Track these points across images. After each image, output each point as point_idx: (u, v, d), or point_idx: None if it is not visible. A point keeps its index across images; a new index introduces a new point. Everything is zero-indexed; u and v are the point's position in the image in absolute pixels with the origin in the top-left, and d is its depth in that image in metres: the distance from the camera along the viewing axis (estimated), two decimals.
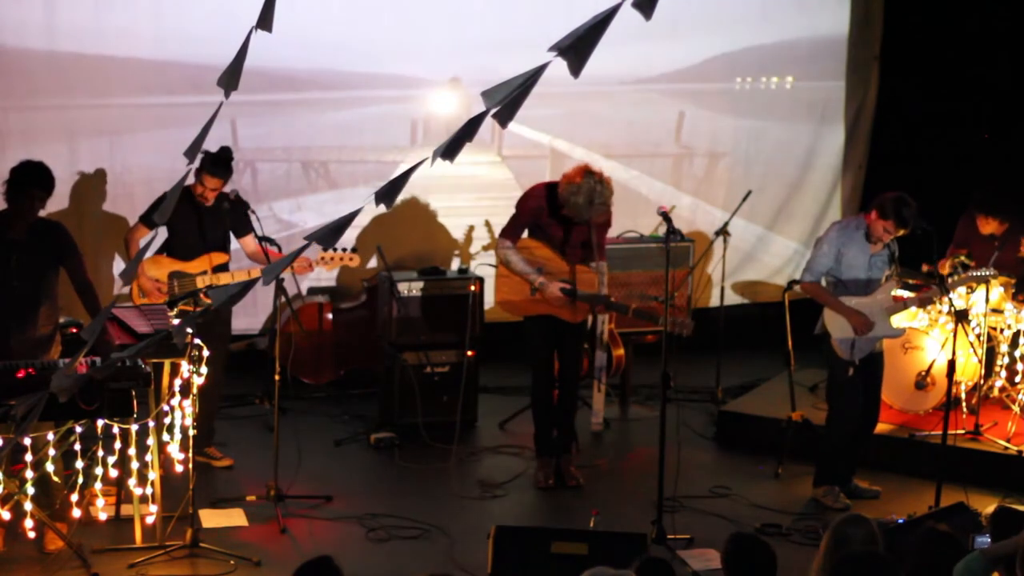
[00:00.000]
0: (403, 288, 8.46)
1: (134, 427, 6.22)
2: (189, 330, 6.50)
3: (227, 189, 7.57)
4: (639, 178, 10.13)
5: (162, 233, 7.59)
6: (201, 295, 7.29)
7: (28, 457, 6.01)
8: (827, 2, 10.44)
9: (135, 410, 6.27)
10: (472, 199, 9.72)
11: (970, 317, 8.04)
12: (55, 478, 6.29)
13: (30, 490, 6.07)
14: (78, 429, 6.20)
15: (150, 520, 6.52)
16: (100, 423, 6.12)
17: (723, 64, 10.19)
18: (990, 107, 10.32)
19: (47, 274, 6.62)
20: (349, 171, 9.51)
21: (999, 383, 8.37)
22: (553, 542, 5.90)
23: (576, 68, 2.57)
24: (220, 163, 7.41)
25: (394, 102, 9.47)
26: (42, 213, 6.65)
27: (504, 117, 2.61)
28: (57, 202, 7.46)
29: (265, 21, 3.04)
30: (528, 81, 2.61)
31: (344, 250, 7.85)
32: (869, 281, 7.24)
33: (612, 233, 8.00)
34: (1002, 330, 8.26)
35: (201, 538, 6.58)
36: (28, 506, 6.11)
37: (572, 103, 9.70)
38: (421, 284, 8.55)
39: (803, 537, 6.88)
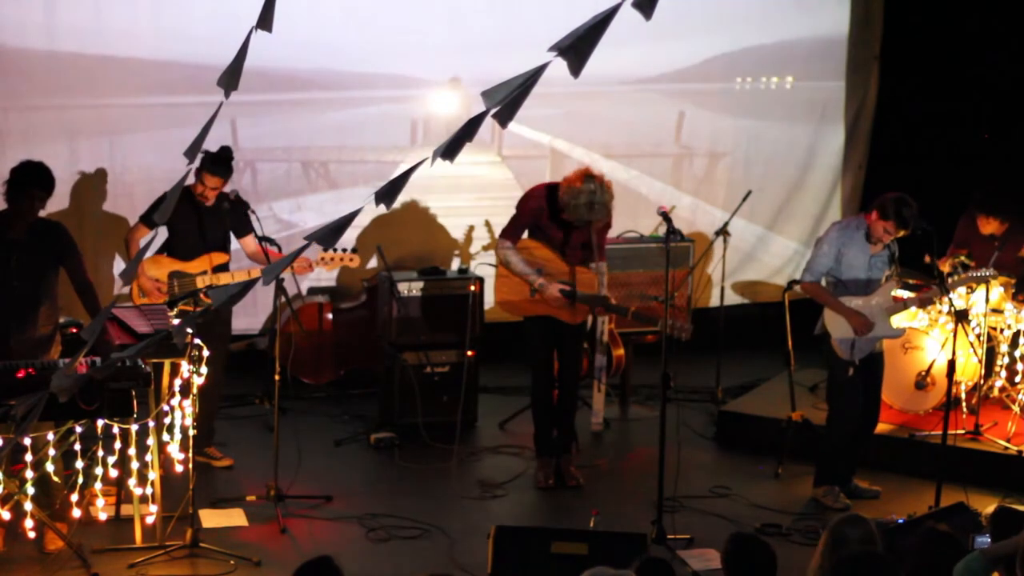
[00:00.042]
0: (403, 288, 8.46)
1: (134, 427, 6.22)
2: (189, 330, 6.50)
3: (227, 189, 7.58)
4: (639, 178, 10.13)
5: (162, 233, 7.59)
6: (201, 295, 7.29)
7: (28, 457, 6.01)
8: (827, 2, 10.44)
9: (135, 410, 6.27)
10: (472, 199, 9.72)
11: (970, 317, 8.04)
12: (55, 478, 6.29)
13: (30, 490, 6.07)
14: (78, 429, 6.20)
15: (150, 520, 6.52)
16: (100, 423, 6.12)
17: (723, 64, 10.19)
18: (990, 107, 10.31)
19: (47, 274, 6.62)
20: (349, 171, 9.51)
21: (999, 383, 8.37)
22: (553, 542, 5.90)
23: (576, 68, 2.57)
24: (220, 162, 7.41)
25: (394, 102, 9.47)
26: (42, 213, 6.65)
27: (504, 117, 2.61)
28: (57, 202, 7.46)
29: (265, 21, 3.04)
30: (528, 81, 2.61)
31: (344, 250, 7.85)
32: (869, 281, 7.24)
33: (612, 233, 8.00)
34: (1002, 330, 8.26)
35: (201, 538, 6.58)
36: (28, 506, 6.11)
37: (572, 103, 9.70)
38: (421, 284, 8.55)
39: (803, 537, 6.88)
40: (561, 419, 7.77)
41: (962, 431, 7.89)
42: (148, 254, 7.39)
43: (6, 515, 6.22)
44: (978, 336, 8.03)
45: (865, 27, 10.51)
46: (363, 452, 8.24)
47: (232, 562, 6.46)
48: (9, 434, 5.75)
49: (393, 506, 7.27)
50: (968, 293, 8.17)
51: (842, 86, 10.58)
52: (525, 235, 7.55)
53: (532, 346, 7.68)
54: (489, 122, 2.65)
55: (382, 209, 2.78)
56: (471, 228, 9.67)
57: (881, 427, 7.70)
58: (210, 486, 7.39)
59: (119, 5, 8.69)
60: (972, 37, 10.18)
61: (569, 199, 7.24)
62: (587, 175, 7.27)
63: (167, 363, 6.66)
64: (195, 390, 6.56)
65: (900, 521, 6.40)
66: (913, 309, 7.75)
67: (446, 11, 9.34)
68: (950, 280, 7.66)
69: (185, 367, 6.53)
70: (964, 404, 8.07)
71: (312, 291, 9.40)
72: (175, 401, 6.47)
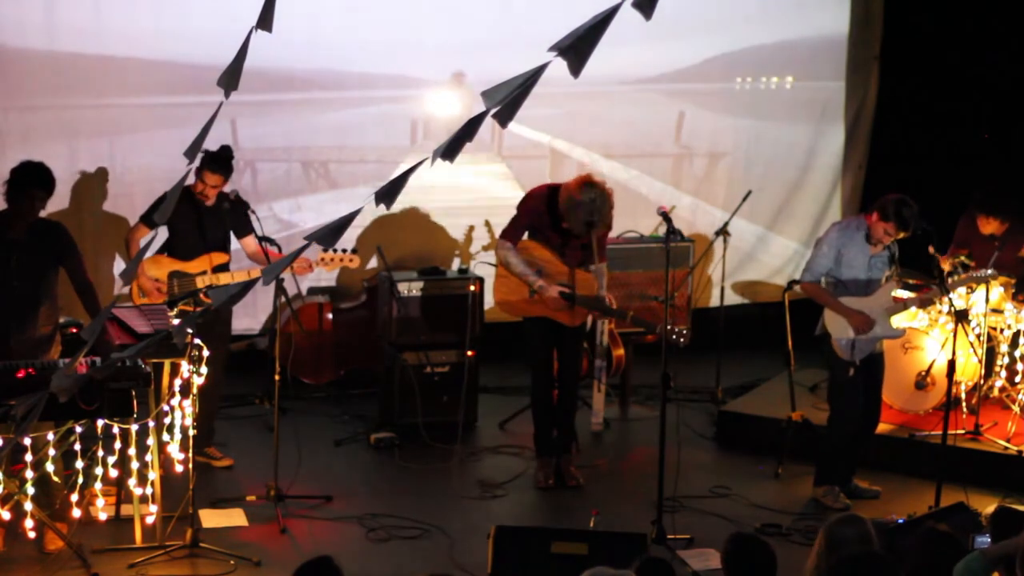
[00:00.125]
0: (403, 288, 8.46)
1: (134, 427, 6.22)
2: (189, 330, 6.50)
3: (227, 189, 7.58)
4: (639, 178, 10.13)
5: (162, 233, 7.59)
6: (201, 295, 7.29)
7: (28, 457, 6.01)
8: (827, 2, 10.44)
9: (135, 410, 6.27)
10: (472, 199, 9.72)
11: (970, 317, 8.04)
12: (55, 478, 6.29)
13: (30, 490, 6.07)
14: (78, 429, 6.20)
15: (150, 520, 6.52)
16: (100, 423, 6.12)
17: (723, 64, 10.19)
18: (990, 107, 10.31)
19: (47, 274, 6.62)
20: (349, 171, 9.51)
21: (999, 383, 8.37)
22: (553, 542, 5.90)
23: (576, 68, 2.57)
24: (220, 160, 7.41)
25: (394, 102, 9.47)
26: (42, 213, 6.65)
27: (504, 117, 2.61)
28: (57, 202, 7.46)
29: (265, 21, 3.04)
30: (528, 81, 2.61)
31: (344, 251, 7.85)
32: (869, 282, 7.24)
33: (612, 233, 7.99)
34: (1002, 330, 8.26)
35: (201, 538, 6.58)
36: (28, 506, 6.11)
37: (572, 103, 9.70)
38: (421, 284, 8.54)
39: (803, 537, 6.88)
40: (561, 419, 7.77)
41: (962, 431, 7.89)
42: (148, 254, 7.39)
43: (6, 515, 6.22)
44: (978, 336, 8.03)
45: (865, 27, 10.51)
46: (363, 452, 8.24)
47: (232, 562, 6.46)
48: (9, 434, 5.75)
49: (393, 506, 7.27)
50: (968, 293, 8.17)
51: (842, 86, 10.57)
52: (525, 236, 7.55)
53: (532, 346, 7.68)
54: (489, 122, 2.65)
55: (382, 209, 2.78)
56: (471, 228, 9.67)
57: (881, 427, 7.70)
58: (210, 486, 7.38)
59: (119, 5, 8.69)
60: (972, 37, 10.18)
61: (568, 210, 7.22)
62: (587, 183, 7.22)
63: (167, 363, 6.66)
64: (195, 390, 6.56)
65: (900, 521, 6.40)
66: (913, 309, 7.75)
67: (446, 11, 9.34)
68: (950, 280, 7.66)
69: (185, 367, 6.53)
70: (964, 404, 8.07)
71: (312, 291, 9.40)
72: (175, 401, 6.47)
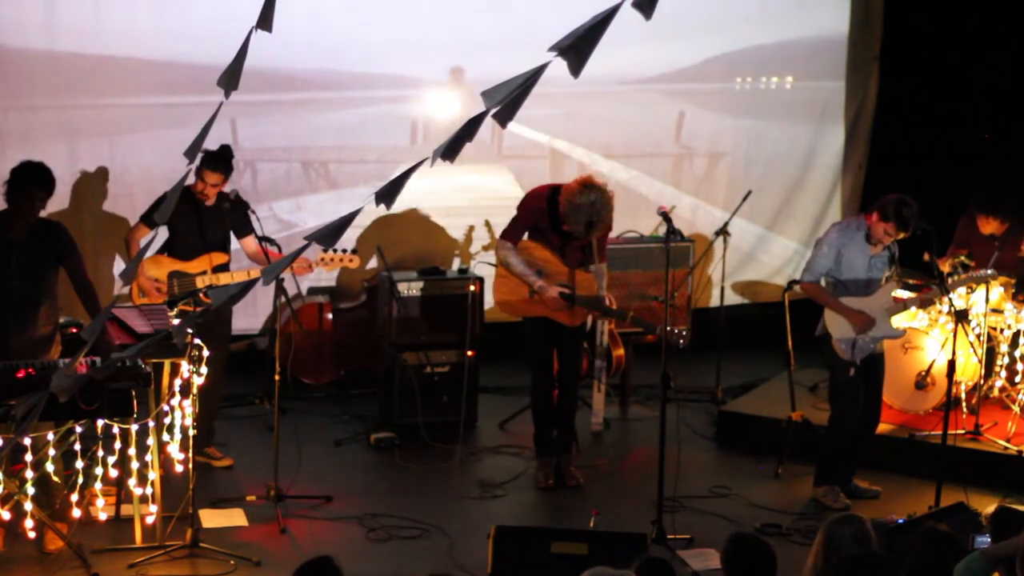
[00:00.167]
0: (403, 288, 8.46)
1: (134, 427, 6.22)
2: (189, 330, 6.50)
3: (227, 189, 7.58)
4: (639, 178, 10.13)
5: (163, 233, 7.59)
6: (201, 295, 7.29)
7: (28, 457, 6.00)
8: (827, 2, 10.44)
9: (135, 410, 6.27)
10: (472, 199, 9.72)
11: (970, 317, 8.04)
12: (55, 478, 6.29)
13: (30, 490, 6.07)
14: (78, 429, 6.20)
15: (150, 520, 6.52)
16: (100, 423, 6.12)
17: (723, 64, 10.19)
18: (990, 107, 10.31)
19: (47, 274, 6.62)
20: (349, 171, 9.51)
21: (999, 383, 8.37)
22: (553, 542, 5.90)
23: (576, 68, 2.57)
24: (220, 159, 7.41)
25: (394, 102, 9.47)
26: (42, 213, 6.65)
27: (504, 117, 2.61)
28: (57, 202, 7.46)
29: (265, 21, 3.04)
30: (528, 81, 2.61)
31: (344, 251, 7.85)
32: (869, 282, 7.24)
33: (612, 233, 7.99)
34: (1002, 330, 8.26)
35: (201, 538, 6.58)
36: (28, 506, 6.11)
37: (572, 103, 9.70)
38: (421, 284, 8.54)
39: (803, 537, 6.87)
40: (561, 419, 7.77)
41: (962, 431, 7.89)
42: (148, 254, 7.39)
43: (6, 515, 6.22)
44: (978, 336, 8.03)
45: (865, 27, 10.51)
46: (363, 452, 8.24)
47: (232, 562, 6.46)
48: (9, 434, 5.75)
49: (393, 506, 7.27)
50: (968, 293, 8.17)
51: (842, 86, 10.57)
52: (525, 236, 7.54)
53: (532, 346, 7.68)
54: (489, 122, 2.65)
55: (382, 209, 2.78)
56: (471, 228, 9.67)
57: (881, 427, 7.70)
58: (210, 486, 7.38)
59: (119, 5, 8.68)
60: (972, 37, 10.18)
61: (568, 212, 7.21)
62: (588, 185, 7.21)
63: (167, 363, 6.66)
64: (195, 390, 6.55)
65: (900, 521, 6.40)
66: (913, 309, 7.75)
67: (446, 11, 9.34)
68: (950, 280, 7.66)
69: (185, 367, 6.53)
70: (964, 404, 8.07)
71: (312, 291, 9.40)
72: (175, 401, 6.47)
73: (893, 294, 7.36)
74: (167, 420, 6.46)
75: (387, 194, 2.72)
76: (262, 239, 7.36)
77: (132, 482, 6.46)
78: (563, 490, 7.63)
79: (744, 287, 10.46)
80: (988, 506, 6.56)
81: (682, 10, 9.61)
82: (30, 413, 2.97)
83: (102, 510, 6.38)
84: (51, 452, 6.09)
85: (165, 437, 6.47)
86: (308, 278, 9.16)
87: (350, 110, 9.44)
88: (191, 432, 6.53)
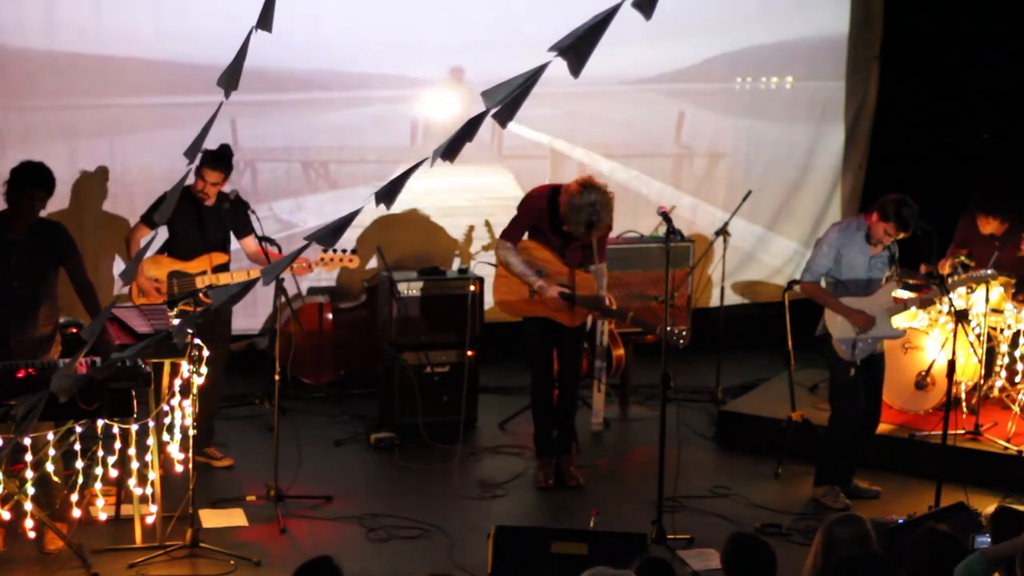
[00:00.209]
0: (403, 288, 8.46)
1: (134, 427, 6.22)
2: (189, 330, 6.50)
3: (227, 189, 7.58)
4: (639, 178, 10.13)
5: (163, 233, 7.59)
6: (201, 295, 7.29)
7: (28, 457, 6.00)
8: (827, 2, 10.44)
9: (135, 410, 6.27)
10: (472, 199, 9.72)
11: (970, 317, 8.04)
12: (55, 478, 6.29)
13: (30, 490, 6.07)
14: (78, 429, 6.20)
15: (150, 520, 6.52)
16: (100, 423, 6.12)
17: (723, 64, 10.19)
18: (990, 107, 10.31)
19: (47, 274, 6.62)
20: (349, 171, 9.51)
21: (999, 383, 8.37)
22: (553, 542, 5.90)
23: (576, 68, 2.57)
24: (220, 157, 7.42)
25: (394, 102, 9.47)
26: (42, 213, 6.65)
27: (504, 117, 2.61)
28: (57, 202, 7.46)
29: (265, 21, 3.04)
30: (528, 81, 2.61)
31: (344, 251, 7.85)
32: (869, 282, 7.24)
33: (612, 233, 7.99)
34: (1002, 330, 8.26)
35: (201, 538, 6.58)
36: (28, 506, 6.11)
37: (572, 103, 9.70)
38: (421, 284, 8.54)
39: (803, 537, 6.87)
40: (561, 419, 7.77)
41: (962, 431, 7.89)
42: (148, 254, 7.39)
43: (6, 515, 6.22)
44: (978, 336, 8.03)
45: (865, 27, 10.51)
46: (363, 452, 8.24)
47: (232, 562, 6.46)
48: (9, 434, 5.75)
49: (393, 506, 7.27)
50: (968, 293, 8.17)
51: (842, 86, 10.57)
52: (525, 236, 7.54)
53: (532, 346, 7.68)
54: (489, 122, 2.65)
55: (382, 209, 2.78)
56: (471, 228, 9.67)
57: (881, 427, 7.70)
58: (210, 486, 7.38)
59: (119, 5, 8.68)
60: (972, 37, 10.18)
61: (569, 212, 7.21)
62: (588, 185, 7.21)
63: (167, 363, 6.66)
64: (195, 390, 6.55)
65: (900, 521, 6.40)
66: (913, 309, 7.75)
67: (446, 11, 9.34)
68: (950, 280, 7.66)
69: (185, 367, 6.53)
70: (964, 404, 8.07)
71: (312, 291, 9.40)
72: (175, 401, 6.47)
73: (893, 294, 7.36)
74: (167, 420, 6.46)
75: (387, 194, 2.72)
76: (262, 239, 7.35)
77: (132, 482, 6.46)
78: (563, 490, 7.63)
79: (744, 287, 10.46)
80: (988, 506, 6.56)
81: (682, 10, 9.61)
82: (30, 413, 2.97)
83: (102, 510, 6.38)
84: (51, 452, 6.09)
85: (165, 437, 6.47)
86: (308, 278, 9.16)
87: (350, 110, 9.44)
88: (191, 432, 6.53)
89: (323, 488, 7.44)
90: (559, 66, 2.60)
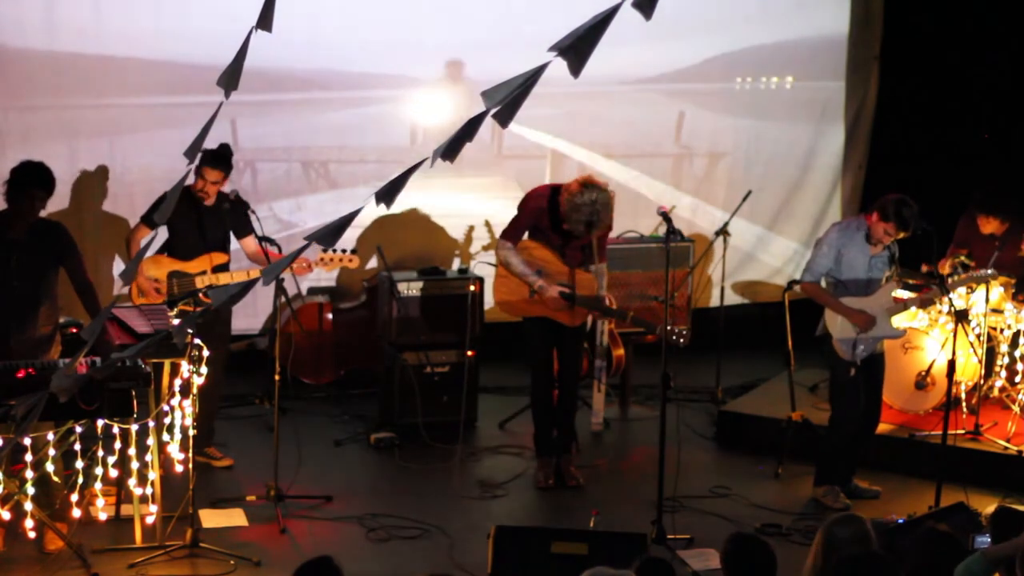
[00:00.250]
0: (403, 288, 8.46)
1: (134, 427, 6.22)
2: (189, 330, 6.50)
3: (227, 189, 7.58)
4: (639, 178, 10.13)
5: (163, 233, 7.59)
6: (201, 295, 7.29)
7: (28, 457, 6.00)
8: (827, 2, 10.44)
9: (135, 410, 6.27)
10: (472, 199, 9.72)
11: (970, 317, 8.04)
12: (55, 478, 6.29)
13: (30, 490, 6.07)
14: (78, 429, 6.20)
15: (150, 520, 6.52)
16: (100, 423, 6.12)
17: (723, 64, 10.19)
18: (990, 107, 10.31)
19: (47, 274, 6.62)
20: (349, 171, 9.51)
21: (999, 383, 8.37)
22: (553, 542, 5.90)
23: (576, 68, 2.56)
24: (220, 156, 7.42)
25: (394, 102, 9.47)
26: (42, 213, 6.65)
27: (504, 117, 2.61)
28: (57, 202, 7.46)
29: (265, 21, 3.04)
30: (528, 81, 2.61)
31: (343, 251, 7.85)
32: (869, 282, 7.24)
33: (612, 233, 7.99)
34: (1002, 330, 8.26)
35: (201, 538, 6.58)
36: (28, 506, 6.11)
37: (572, 103, 9.69)
38: (421, 284, 8.54)
39: (803, 537, 6.87)
40: (561, 419, 7.77)
41: (962, 431, 7.89)
42: (148, 254, 7.39)
43: (6, 515, 6.22)
44: (978, 336, 8.03)
45: (865, 27, 10.51)
46: (363, 452, 8.24)
47: (232, 562, 6.46)
48: (9, 434, 5.75)
49: (393, 506, 7.27)
50: (968, 293, 8.17)
51: (842, 86, 10.57)
52: (525, 236, 7.54)
53: (532, 346, 7.68)
54: (489, 122, 2.65)
55: (382, 209, 2.78)
56: (471, 228, 9.66)
57: (881, 427, 7.70)
58: (210, 486, 7.38)
59: (119, 5, 8.68)
60: (972, 37, 10.18)
61: (570, 211, 7.22)
62: (588, 184, 7.22)
63: (167, 363, 6.66)
64: (195, 390, 6.55)
65: (900, 521, 6.40)
66: (913, 309, 7.75)
67: (446, 11, 9.33)
68: (950, 280, 7.66)
69: (185, 367, 6.53)
70: (964, 404, 8.07)
71: (312, 291, 9.40)
72: (175, 401, 6.47)
73: (893, 294, 7.36)
74: (167, 420, 6.46)
75: (387, 194, 2.72)
76: (262, 239, 7.35)
77: (132, 482, 6.46)
78: (563, 490, 7.63)
79: (744, 287, 10.46)
80: (988, 506, 6.56)
81: (682, 10, 9.61)
82: (30, 413, 2.96)
83: (102, 510, 6.38)
84: (51, 452, 6.09)
85: (165, 437, 6.47)
86: (308, 278, 9.16)
87: (350, 110, 9.44)
88: (191, 432, 6.53)
89: (323, 488, 7.44)
90: (559, 66, 2.60)
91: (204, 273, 7.54)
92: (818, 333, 7.36)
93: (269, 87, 8.89)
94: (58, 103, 8.71)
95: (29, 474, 6.02)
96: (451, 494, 7.55)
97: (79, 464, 6.22)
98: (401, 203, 8.70)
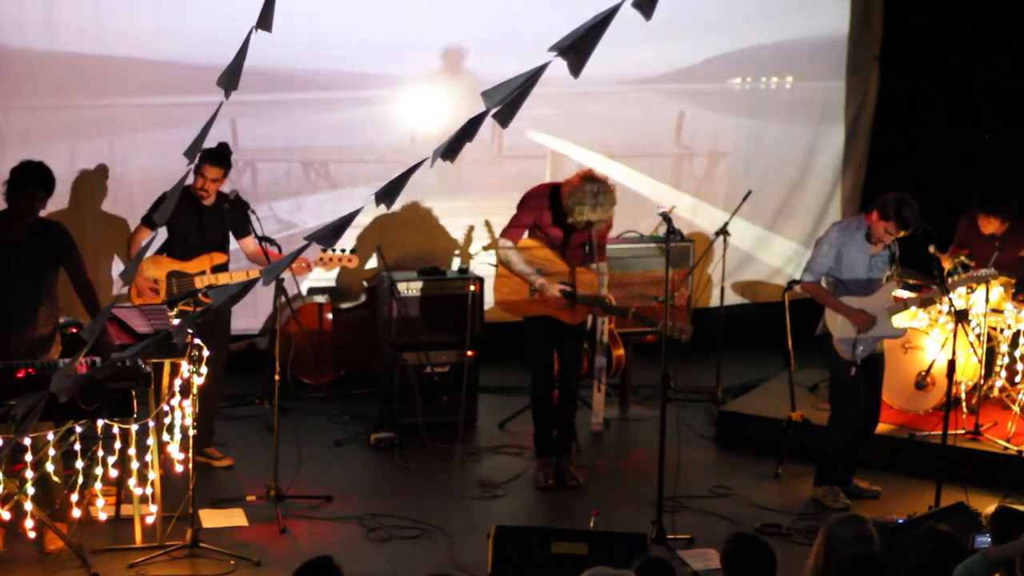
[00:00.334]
0: (403, 288, 8.46)
1: (134, 427, 6.22)
2: (189, 330, 6.50)
3: (227, 189, 7.58)
4: (639, 178, 10.12)
5: (163, 233, 7.59)
6: (200, 295, 7.29)
7: (28, 457, 6.01)
8: (827, 2, 10.43)
9: (135, 410, 6.27)
10: (472, 199, 9.72)
11: (970, 317, 8.04)
12: (55, 478, 6.29)
13: (30, 490, 6.07)
14: (78, 429, 6.20)
15: (150, 520, 6.52)
16: (100, 423, 6.12)
17: (723, 64, 10.19)
18: (990, 107, 10.31)
19: (47, 274, 6.62)
20: (349, 171, 9.51)
21: (999, 383, 8.37)
22: (553, 542, 5.91)
23: (576, 68, 2.56)
24: (220, 154, 7.43)
25: (394, 102, 9.46)
26: (42, 213, 6.65)
27: (504, 117, 2.61)
28: (57, 202, 7.46)
29: (265, 21, 3.04)
30: (528, 81, 2.61)
31: (343, 251, 7.85)
32: (869, 281, 7.24)
33: (612, 233, 7.99)
34: (1002, 330, 8.26)
35: (201, 538, 6.58)
36: (28, 506, 6.11)
37: (572, 103, 9.69)
38: (421, 284, 8.54)
39: (803, 537, 6.87)
40: (561, 419, 7.77)
41: (962, 431, 7.89)
42: (148, 254, 7.38)
43: (6, 515, 6.22)
44: (978, 336, 8.03)
45: (865, 27, 10.51)
46: (363, 452, 8.24)
47: (232, 562, 6.46)
48: (9, 434, 5.75)
49: (393, 506, 7.27)
50: (968, 293, 8.17)
51: (842, 86, 10.57)
52: (526, 235, 7.55)
53: (532, 346, 7.68)
54: (489, 122, 2.65)
55: (382, 209, 2.78)
56: (471, 228, 9.66)
57: (881, 427, 7.71)
58: (210, 486, 7.38)
59: (119, 5, 8.68)
60: (972, 37, 10.17)
61: (573, 203, 7.22)
62: (589, 176, 7.25)
63: (167, 363, 6.66)
64: (195, 390, 6.56)
65: (900, 521, 6.40)
66: (913, 309, 7.75)
67: (446, 11, 9.33)
68: (950, 280, 7.66)
69: (185, 367, 6.53)
70: (964, 404, 8.07)
71: (312, 291, 9.40)
72: (175, 401, 6.47)
73: (894, 294, 7.36)
74: (167, 420, 6.46)
75: (387, 194, 2.72)
76: (262, 239, 7.35)
77: (132, 482, 6.46)
78: (563, 490, 7.63)
79: (744, 287, 10.46)
80: (988, 506, 6.56)
81: (682, 10, 9.60)
82: (30, 413, 2.96)
83: (102, 510, 6.38)
84: (51, 452, 6.09)
85: (165, 437, 6.48)
86: (308, 278, 9.16)
87: (350, 110, 9.44)
88: (191, 432, 6.53)
89: (323, 488, 7.44)
90: (559, 66, 2.59)
91: (203, 273, 7.54)
92: (818, 332, 7.36)
93: (269, 87, 8.89)
94: (58, 103, 8.70)
95: (29, 474, 6.02)
96: (451, 494, 7.55)
97: (79, 464, 6.23)
98: (401, 203, 8.71)
